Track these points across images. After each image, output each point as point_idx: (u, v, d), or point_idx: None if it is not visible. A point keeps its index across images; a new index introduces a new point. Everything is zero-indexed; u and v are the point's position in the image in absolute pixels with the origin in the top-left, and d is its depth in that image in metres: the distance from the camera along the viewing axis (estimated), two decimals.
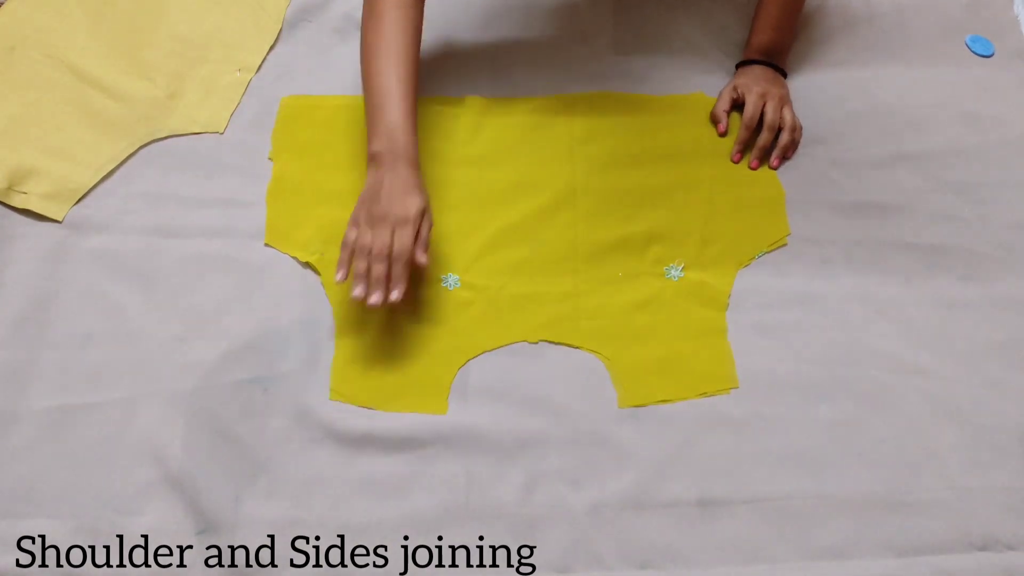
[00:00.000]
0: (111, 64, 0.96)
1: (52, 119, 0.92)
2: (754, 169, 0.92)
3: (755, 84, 0.95)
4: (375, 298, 0.75)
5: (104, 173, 0.88)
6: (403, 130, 0.79)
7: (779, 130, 0.93)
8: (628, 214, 0.88)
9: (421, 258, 0.77)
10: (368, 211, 0.77)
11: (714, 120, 0.96)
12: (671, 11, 1.05)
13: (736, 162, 0.93)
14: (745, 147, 0.93)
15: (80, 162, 0.89)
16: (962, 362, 0.81)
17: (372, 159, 0.79)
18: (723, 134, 0.94)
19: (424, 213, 0.78)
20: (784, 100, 0.95)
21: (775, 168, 0.92)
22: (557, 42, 1.02)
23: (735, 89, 0.96)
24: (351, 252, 0.77)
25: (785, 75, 0.98)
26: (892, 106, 0.99)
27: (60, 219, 0.85)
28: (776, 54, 0.98)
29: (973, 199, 0.91)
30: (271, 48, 1.00)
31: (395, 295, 0.76)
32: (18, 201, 0.85)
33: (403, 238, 0.76)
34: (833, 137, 0.96)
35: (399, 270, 0.76)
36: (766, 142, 0.92)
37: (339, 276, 0.77)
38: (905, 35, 1.05)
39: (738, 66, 0.99)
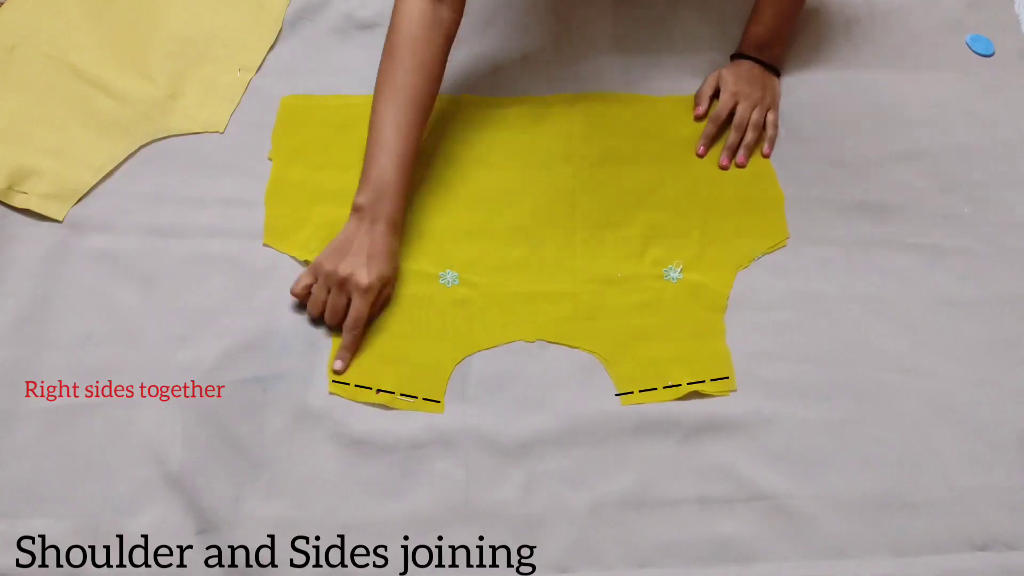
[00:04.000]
0: (111, 64, 0.96)
1: (52, 119, 0.92)
2: (722, 167, 0.92)
3: (734, 82, 0.94)
4: (338, 365, 0.77)
5: (104, 173, 0.88)
6: (392, 190, 0.79)
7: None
8: (627, 215, 0.88)
9: (337, 365, 0.77)
10: (333, 266, 0.77)
11: (696, 101, 0.96)
12: (671, 9, 1.05)
13: (700, 156, 0.93)
14: (710, 141, 0.93)
15: (80, 162, 0.89)
16: (962, 362, 0.81)
17: (355, 210, 0.80)
18: (699, 117, 0.95)
19: (387, 283, 0.79)
20: (760, 102, 0.94)
21: (741, 165, 0.92)
22: (557, 42, 1.02)
23: (718, 78, 0.96)
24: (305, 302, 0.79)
25: (778, 73, 0.98)
26: (892, 105, 0.99)
27: (60, 219, 0.85)
28: (769, 48, 0.97)
29: (973, 199, 0.91)
30: (271, 48, 1.00)
31: (338, 365, 0.77)
32: (18, 201, 0.85)
33: (357, 308, 0.77)
34: (833, 137, 0.95)
35: (349, 340, 0.77)
36: (732, 142, 0.93)
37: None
38: (906, 34, 1.05)
39: (732, 58, 0.99)
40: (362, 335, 0.78)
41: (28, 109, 0.92)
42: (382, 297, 0.80)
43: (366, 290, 0.76)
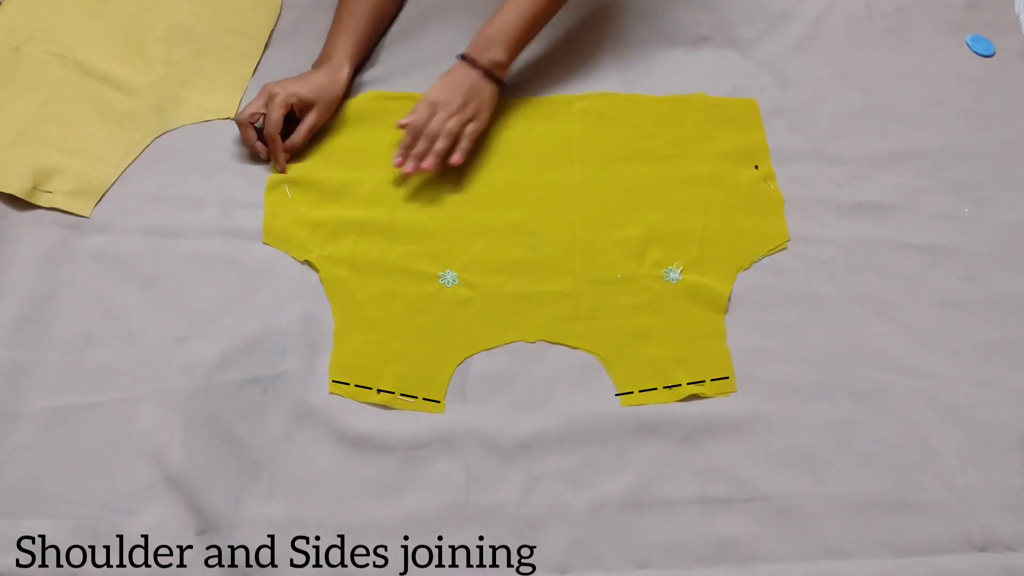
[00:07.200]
0: (116, 58, 0.96)
1: (66, 117, 0.92)
2: (406, 173, 0.88)
3: (437, 91, 0.89)
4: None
5: (124, 167, 0.89)
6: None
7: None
8: (627, 215, 0.88)
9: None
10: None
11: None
12: (672, 8, 1.05)
13: (397, 166, 0.88)
14: (406, 151, 0.89)
15: (99, 158, 0.89)
16: (962, 362, 0.81)
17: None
18: (403, 126, 0.88)
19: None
20: (458, 112, 0.89)
21: (428, 168, 0.88)
22: (557, 42, 1.02)
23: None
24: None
25: (499, 81, 0.91)
26: (892, 105, 0.99)
27: (88, 215, 0.85)
28: (489, 50, 0.90)
29: (973, 199, 0.91)
30: (273, 45, 1.00)
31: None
32: (44, 200, 0.85)
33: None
34: (833, 136, 0.96)
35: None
36: (419, 150, 0.88)
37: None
38: (906, 34, 1.05)
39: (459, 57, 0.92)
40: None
41: (41, 109, 0.92)
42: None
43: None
